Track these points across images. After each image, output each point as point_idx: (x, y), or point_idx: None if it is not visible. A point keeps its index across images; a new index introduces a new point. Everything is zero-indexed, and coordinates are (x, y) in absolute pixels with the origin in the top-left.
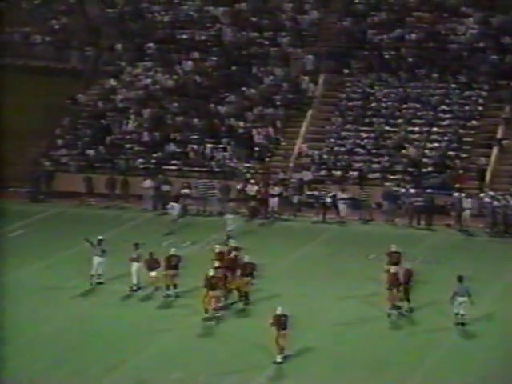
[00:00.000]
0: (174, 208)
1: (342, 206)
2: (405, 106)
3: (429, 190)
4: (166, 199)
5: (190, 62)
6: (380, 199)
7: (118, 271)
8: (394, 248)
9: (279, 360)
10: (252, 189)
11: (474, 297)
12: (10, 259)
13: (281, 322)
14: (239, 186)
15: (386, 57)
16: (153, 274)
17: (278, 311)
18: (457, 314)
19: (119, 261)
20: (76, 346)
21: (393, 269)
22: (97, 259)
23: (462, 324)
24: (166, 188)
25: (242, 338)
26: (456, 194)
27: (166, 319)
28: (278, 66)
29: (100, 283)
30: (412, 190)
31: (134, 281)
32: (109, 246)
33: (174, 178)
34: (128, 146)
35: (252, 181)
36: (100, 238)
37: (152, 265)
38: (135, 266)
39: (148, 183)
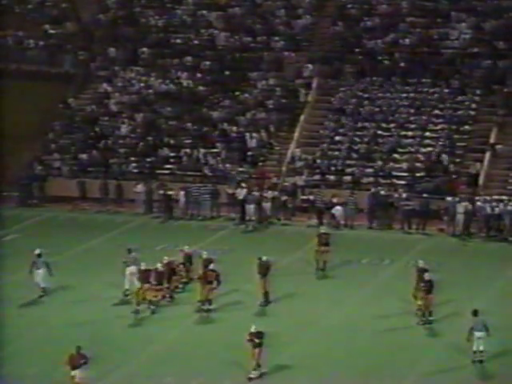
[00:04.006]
0: (182, 196)
1: (339, 213)
2: (398, 110)
3: (424, 195)
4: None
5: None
6: (367, 202)
7: (111, 277)
8: (323, 229)
9: (253, 376)
10: (242, 193)
11: (468, 300)
12: (3, 263)
13: (255, 340)
14: (230, 191)
15: (380, 61)
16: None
17: (253, 329)
18: (475, 351)
19: (112, 266)
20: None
21: (427, 276)
22: (37, 272)
23: (481, 361)
24: (161, 192)
25: (236, 344)
26: (450, 199)
27: (157, 325)
28: (271, 70)
29: (41, 296)
30: (404, 195)
31: (127, 286)
32: (49, 258)
33: (167, 182)
34: (121, 150)
35: (243, 185)
36: (38, 251)
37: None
38: (129, 270)
39: (140, 187)
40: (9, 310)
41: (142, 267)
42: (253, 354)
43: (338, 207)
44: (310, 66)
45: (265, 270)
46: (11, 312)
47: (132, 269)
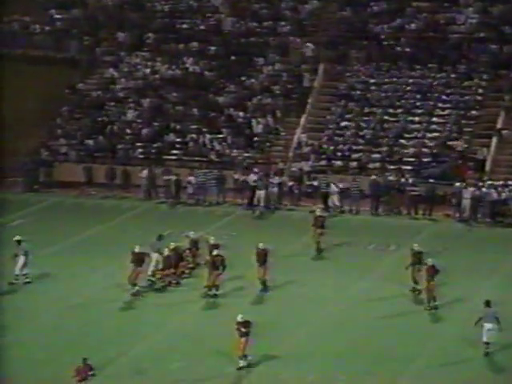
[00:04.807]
0: (192, 181)
1: (334, 195)
2: (404, 95)
3: (431, 181)
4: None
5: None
6: (370, 189)
7: (117, 262)
8: (318, 212)
9: (242, 365)
10: (253, 178)
11: (474, 285)
12: (10, 249)
13: (241, 329)
14: (237, 176)
15: (386, 46)
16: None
17: (239, 318)
18: (487, 343)
19: (119, 252)
20: (77, 336)
21: (430, 261)
22: (21, 259)
23: (487, 353)
24: (167, 177)
25: None
26: (457, 184)
27: (164, 310)
28: (277, 55)
29: (28, 282)
30: (410, 180)
31: (149, 272)
32: (29, 245)
33: (173, 167)
34: (127, 135)
35: (256, 170)
36: (17, 238)
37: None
38: (155, 256)
39: (145, 173)
40: (14, 296)
41: (136, 250)
42: (239, 344)
43: (334, 187)
44: (310, 45)
45: (263, 257)
46: (17, 297)
47: (156, 256)
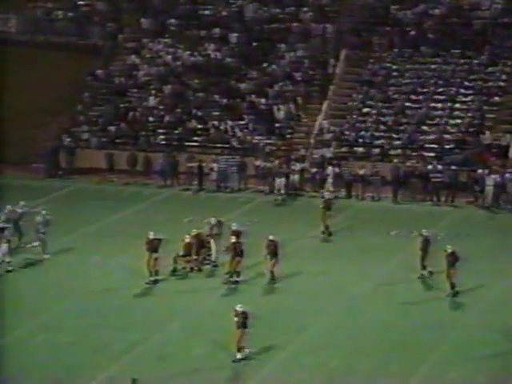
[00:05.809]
0: (215, 168)
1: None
2: (427, 82)
3: (453, 167)
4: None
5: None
6: (391, 175)
7: (139, 249)
8: (326, 195)
9: (239, 357)
10: (274, 165)
11: (496, 273)
12: (33, 234)
13: (234, 319)
14: (258, 163)
15: (409, 32)
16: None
17: (238, 307)
18: None
19: (140, 238)
20: (99, 322)
21: (449, 248)
22: (3, 246)
23: None
24: (191, 164)
25: (265, 316)
26: (480, 171)
27: (186, 296)
28: (299, 42)
29: (10, 271)
30: (440, 167)
31: (213, 258)
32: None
33: (195, 154)
34: (149, 122)
35: (294, 156)
36: (1, 225)
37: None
38: (212, 243)
39: (161, 160)
40: (37, 282)
41: (150, 237)
42: (235, 335)
43: (330, 170)
44: (329, 26)
45: (273, 249)
46: (40, 282)
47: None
